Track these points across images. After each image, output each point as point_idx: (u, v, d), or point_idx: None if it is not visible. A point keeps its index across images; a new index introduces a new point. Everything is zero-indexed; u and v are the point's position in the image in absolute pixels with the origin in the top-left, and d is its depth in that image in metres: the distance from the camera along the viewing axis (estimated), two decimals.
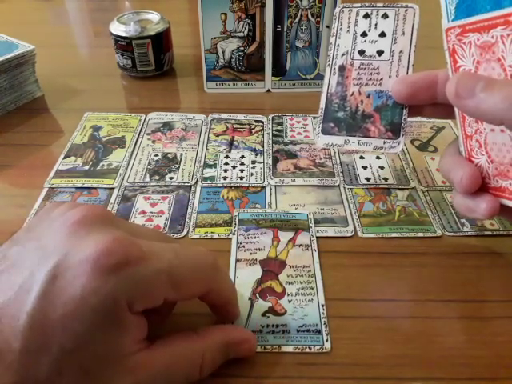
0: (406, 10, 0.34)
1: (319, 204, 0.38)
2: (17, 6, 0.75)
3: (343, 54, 0.34)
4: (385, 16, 0.34)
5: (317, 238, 0.35)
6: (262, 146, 0.45)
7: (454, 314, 0.30)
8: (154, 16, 0.55)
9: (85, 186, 0.40)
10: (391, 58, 0.34)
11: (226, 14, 0.49)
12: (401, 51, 0.34)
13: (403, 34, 0.34)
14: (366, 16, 0.34)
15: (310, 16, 0.49)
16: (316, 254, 0.34)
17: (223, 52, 0.51)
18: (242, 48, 0.51)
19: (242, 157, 0.43)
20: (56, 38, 0.66)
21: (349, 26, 0.34)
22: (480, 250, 0.34)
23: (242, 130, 0.47)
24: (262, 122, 0.48)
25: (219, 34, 0.50)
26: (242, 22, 0.49)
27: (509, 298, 0.31)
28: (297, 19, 0.49)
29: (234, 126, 0.47)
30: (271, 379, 0.26)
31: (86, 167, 0.42)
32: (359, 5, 0.35)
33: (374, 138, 0.34)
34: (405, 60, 0.34)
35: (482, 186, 0.29)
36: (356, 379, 0.26)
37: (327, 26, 0.50)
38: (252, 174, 0.41)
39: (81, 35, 0.71)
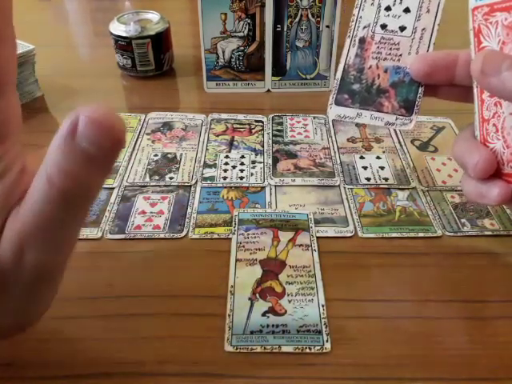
0: None
1: (319, 204, 0.38)
2: (17, 6, 0.75)
3: (365, 27, 0.34)
4: None
5: (317, 237, 0.35)
6: (262, 146, 0.44)
7: (454, 314, 0.30)
8: (153, 16, 0.55)
9: None
10: (413, 34, 0.33)
11: (225, 14, 0.49)
12: (423, 29, 0.33)
13: (428, 11, 0.33)
14: None
15: (310, 16, 0.49)
16: (316, 254, 0.34)
17: (223, 52, 0.51)
18: (241, 48, 0.51)
19: (242, 157, 0.43)
20: (56, 38, 0.66)
21: None
22: (480, 250, 0.34)
23: (242, 129, 0.47)
24: (262, 122, 0.48)
25: (219, 34, 0.50)
26: (241, 22, 0.49)
27: (509, 297, 0.31)
28: (297, 19, 0.49)
29: (234, 125, 0.47)
30: (271, 379, 0.26)
31: None
32: None
33: (386, 113, 0.33)
34: (426, 38, 0.33)
35: (494, 172, 0.28)
36: (356, 379, 0.26)
37: (327, 26, 0.50)
38: (252, 174, 0.41)
39: (81, 35, 0.71)
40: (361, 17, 0.34)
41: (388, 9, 0.34)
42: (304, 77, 0.53)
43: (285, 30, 0.50)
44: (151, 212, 0.37)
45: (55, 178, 0.17)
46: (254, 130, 0.47)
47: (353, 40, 0.34)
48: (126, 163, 0.42)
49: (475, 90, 0.29)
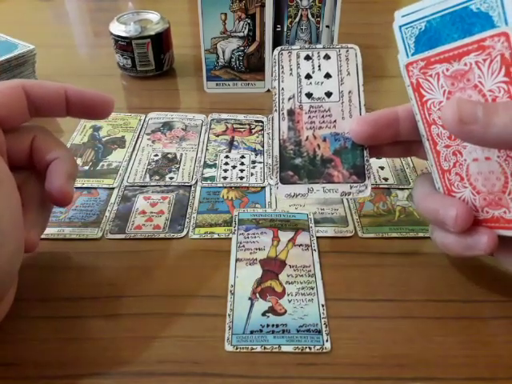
0: (347, 51, 0.33)
1: (319, 204, 0.38)
2: (17, 6, 0.75)
3: (290, 98, 0.32)
4: (326, 57, 0.33)
5: (317, 238, 0.35)
6: (262, 146, 0.45)
7: (454, 314, 0.30)
8: (153, 16, 0.55)
9: (84, 186, 0.40)
10: (341, 98, 0.32)
11: (225, 14, 0.49)
12: (350, 91, 0.32)
13: (349, 74, 0.33)
14: (308, 58, 0.33)
15: (309, 16, 0.49)
16: (316, 254, 0.34)
17: (223, 52, 0.51)
18: (242, 48, 0.51)
19: (242, 157, 0.43)
20: (56, 38, 0.66)
21: (291, 69, 0.33)
22: None
23: (242, 130, 0.47)
24: (262, 122, 0.48)
25: (219, 34, 0.50)
26: (241, 22, 0.49)
27: (509, 298, 0.31)
28: (297, 19, 0.49)
29: (234, 126, 0.47)
30: (271, 379, 0.26)
31: (86, 167, 0.42)
32: (298, 47, 0.33)
33: (338, 183, 0.32)
34: (355, 100, 0.32)
35: None
36: (356, 379, 0.26)
37: (327, 26, 0.50)
38: (252, 174, 0.41)
39: (81, 35, 0.71)
40: (282, 88, 0.32)
41: (308, 77, 0.32)
42: None
43: (285, 30, 0.50)
44: (151, 212, 0.37)
45: None
46: (253, 130, 0.47)
47: (281, 113, 0.32)
48: (126, 163, 0.42)
49: (427, 144, 0.29)
